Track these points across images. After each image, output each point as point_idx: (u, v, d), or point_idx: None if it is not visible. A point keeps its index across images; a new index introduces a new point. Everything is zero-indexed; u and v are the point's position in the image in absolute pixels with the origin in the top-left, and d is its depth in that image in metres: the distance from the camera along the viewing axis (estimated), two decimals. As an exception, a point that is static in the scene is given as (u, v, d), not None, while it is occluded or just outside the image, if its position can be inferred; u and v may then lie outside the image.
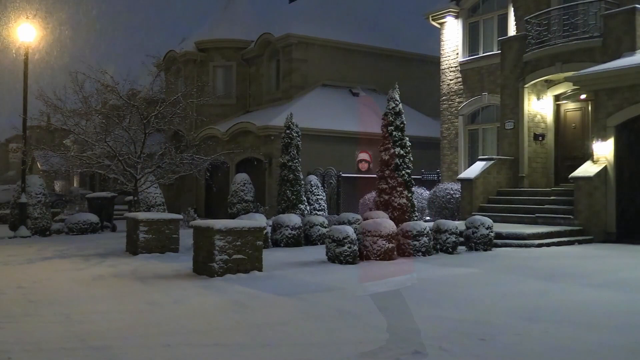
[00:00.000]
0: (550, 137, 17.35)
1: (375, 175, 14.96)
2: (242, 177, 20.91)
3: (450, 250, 11.67)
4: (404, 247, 11.20)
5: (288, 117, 17.82)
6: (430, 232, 11.51)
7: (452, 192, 17.53)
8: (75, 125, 17.81)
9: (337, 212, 19.70)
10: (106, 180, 21.10)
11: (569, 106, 17.06)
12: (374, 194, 14.93)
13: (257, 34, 26.99)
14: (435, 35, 22.62)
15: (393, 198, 13.93)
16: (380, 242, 10.59)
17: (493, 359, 4.86)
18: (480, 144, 20.29)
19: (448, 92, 21.35)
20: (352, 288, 7.96)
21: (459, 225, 12.37)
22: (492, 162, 16.89)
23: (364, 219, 12.39)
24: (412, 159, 14.48)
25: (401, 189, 14.05)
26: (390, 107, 14.35)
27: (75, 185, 40.39)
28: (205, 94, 21.14)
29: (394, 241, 10.88)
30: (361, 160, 21.20)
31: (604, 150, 13.92)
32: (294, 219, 13.52)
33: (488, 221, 12.25)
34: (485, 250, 11.96)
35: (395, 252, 10.94)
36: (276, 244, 13.20)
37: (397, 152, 14.15)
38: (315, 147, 22.06)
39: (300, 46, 25.52)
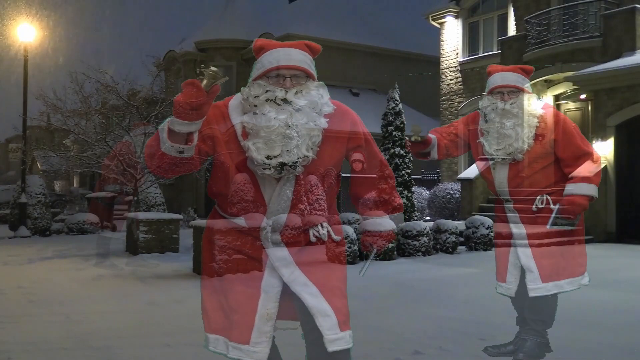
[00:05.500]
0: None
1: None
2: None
3: (450, 250, 11.67)
4: (404, 247, 11.20)
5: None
6: (430, 232, 11.51)
7: (452, 192, 17.53)
8: (75, 125, 17.80)
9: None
10: (106, 180, 21.09)
11: (569, 106, 17.05)
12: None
13: (257, 34, 26.91)
14: (435, 35, 22.61)
15: (393, 198, 13.96)
16: (380, 242, 10.58)
17: (492, 359, 4.85)
18: (480, 144, 20.29)
19: (448, 92, 21.34)
20: (352, 288, 7.94)
21: (459, 225, 12.37)
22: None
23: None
24: (412, 158, 14.48)
25: (401, 189, 14.06)
26: (390, 107, 14.38)
27: (75, 185, 40.36)
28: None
29: (393, 241, 10.89)
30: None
31: (604, 150, 13.92)
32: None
33: (488, 221, 12.26)
34: (485, 250, 11.96)
35: (395, 252, 10.95)
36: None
37: (397, 152, 14.17)
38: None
39: (300, 46, 25.49)
